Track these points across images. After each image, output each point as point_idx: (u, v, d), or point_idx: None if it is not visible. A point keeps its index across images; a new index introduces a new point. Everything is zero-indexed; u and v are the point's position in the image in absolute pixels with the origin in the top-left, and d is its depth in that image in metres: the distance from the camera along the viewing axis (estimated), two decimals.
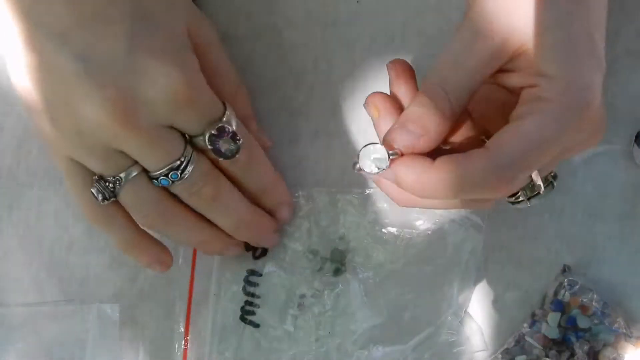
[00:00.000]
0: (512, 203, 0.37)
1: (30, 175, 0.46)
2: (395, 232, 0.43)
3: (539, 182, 0.36)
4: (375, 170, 0.34)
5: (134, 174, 0.36)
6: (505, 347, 0.42)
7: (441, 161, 0.33)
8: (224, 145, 0.37)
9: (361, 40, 0.46)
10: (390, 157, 0.34)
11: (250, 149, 0.40)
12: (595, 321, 0.41)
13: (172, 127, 0.36)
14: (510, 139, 0.33)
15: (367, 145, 0.34)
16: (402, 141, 0.34)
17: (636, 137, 0.42)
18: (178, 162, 0.36)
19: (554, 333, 0.41)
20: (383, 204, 0.43)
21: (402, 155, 0.34)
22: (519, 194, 0.37)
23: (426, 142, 0.34)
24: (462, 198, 0.35)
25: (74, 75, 0.33)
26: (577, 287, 0.42)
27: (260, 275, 0.44)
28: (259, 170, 0.41)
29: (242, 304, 0.44)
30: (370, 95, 0.37)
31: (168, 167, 0.36)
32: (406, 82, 0.37)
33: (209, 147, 0.37)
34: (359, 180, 0.44)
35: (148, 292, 0.45)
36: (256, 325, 0.43)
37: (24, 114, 0.37)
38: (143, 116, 0.34)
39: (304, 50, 0.46)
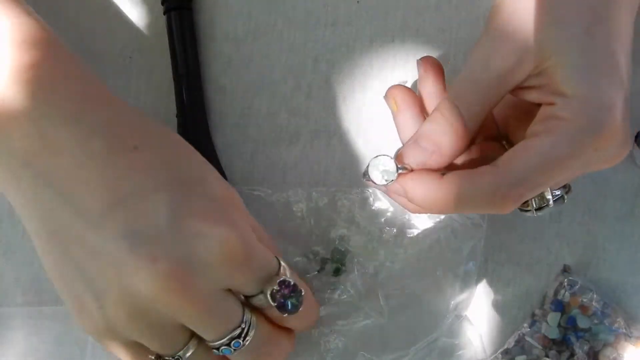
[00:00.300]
0: (520, 210, 0.37)
1: None
2: (396, 232, 0.43)
3: (549, 196, 0.35)
4: (383, 182, 0.35)
5: (192, 350, 0.34)
6: (505, 347, 0.42)
7: (450, 177, 0.34)
8: (289, 300, 0.34)
9: (361, 40, 0.46)
10: (399, 171, 0.34)
11: (305, 295, 0.36)
12: (595, 321, 0.41)
13: (228, 291, 0.34)
14: (521, 157, 0.33)
15: (377, 156, 0.35)
16: (414, 157, 0.35)
17: (636, 137, 0.42)
18: (239, 330, 0.34)
19: (554, 333, 0.41)
20: (383, 204, 0.43)
21: (411, 170, 0.35)
22: (527, 203, 0.36)
23: (438, 159, 0.35)
24: (471, 212, 0.35)
25: (120, 254, 0.31)
26: (577, 287, 0.42)
27: None
28: (310, 312, 0.39)
29: None
30: (390, 87, 0.38)
31: (229, 337, 0.33)
32: (434, 79, 0.37)
33: (273, 304, 0.34)
34: (359, 181, 0.44)
35: None
36: None
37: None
38: (200, 284, 0.32)
39: (304, 50, 0.46)
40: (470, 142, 0.36)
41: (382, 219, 0.43)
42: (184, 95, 0.44)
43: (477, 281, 0.43)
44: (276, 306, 0.34)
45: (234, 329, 0.33)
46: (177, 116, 0.44)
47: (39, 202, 0.33)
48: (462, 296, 0.42)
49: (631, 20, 0.34)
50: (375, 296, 0.43)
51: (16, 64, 0.32)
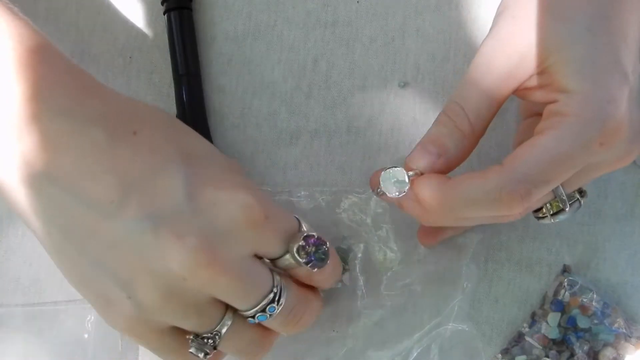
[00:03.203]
0: (537, 218, 0.37)
1: None
2: (397, 230, 0.43)
3: (564, 197, 0.35)
4: (396, 193, 0.35)
5: (229, 323, 0.34)
6: (505, 347, 0.42)
7: (458, 178, 0.34)
8: (315, 255, 0.34)
9: (361, 40, 0.46)
10: (410, 178, 0.34)
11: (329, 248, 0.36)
12: (595, 321, 0.41)
13: (255, 257, 0.34)
14: (526, 154, 0.33)
15: (387, 169, 0.35)
16: (421, 161, 0.35)
17: None
18: (272, 294, 0.34)
19: (554, 333, 0.41)
20: (384, 203, 0.43)
21: (421, 175, 0.35)
22: (543, 208, 0.36)
23: (446, 161, 0.35)
24: (479, 214, 0.34)
25: (142, 239, 0.31)
26: (577, 287, 0.42)
27: None
28: (335, 267, 0.38)
29: None
30: (372, 176, 0.38)
31: (263, 303, 0.33)
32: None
33: (301, 260, 0.34)
34: (360, 180, 0.44)
35: None
36: None
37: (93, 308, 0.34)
38: (228, 253, 0.32)
39: (304, 50, 0.46)
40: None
41: (384, 218, 0.43)
42: (184, 95, 0.44)
43: (477, 281, 0.43)
44: (305, 262, 0.34)
45: (267, 294, 0.33)
46: (177, 116, 0.44)
47: (46, 201, 0.32)
48: (462, 296, 0.42)
49: (636, 20, 0.34)
50: (378, 295, 0.43)
51: (10, 64, 0.32)
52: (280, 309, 0.34)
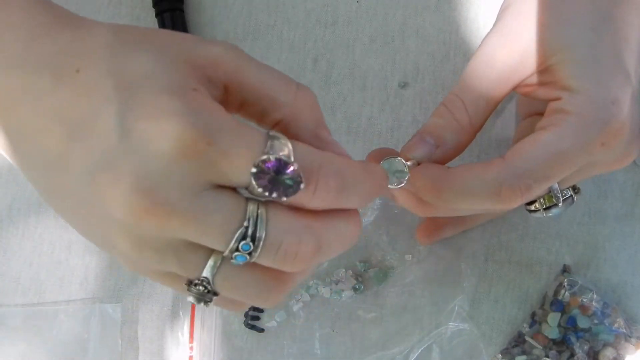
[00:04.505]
0: (529, 211, 0.37)
1: None
2: (397, 231, 0.43)
3: (558, 193, 0.35)
4: (395, 184, 0.34)
5: (212, 266, 0.29)
6: (505, 347, 0.42)
7: (457, 168, 0.34)
8: (278, 180, 0.28)
9: (361, 40, 0.46)
10: (408, 168, 0.34)
11: (326, 168, 0.29)
12: (595, 321, 0.41)
13: (220, 188, 0.29)
14: (527, 150, 0.33)
15: (386, 159, 0.35)
16: (418, 151, 0.35)
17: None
18: (242, 229, 0.28)
19: (554, 333, 0.41)
20: (385, 203, 0.43)
21: (419, 164, 0.35)
22: (536, 202, 0.36)
23: (443, 153, 0.35)
24: (476, 206, 0.34)
25: (90, 190, 0.29)
26: (577, 287, 0.42)
27: None
28: (354, 185, 0.30)
29: (246, 309, 0.43)
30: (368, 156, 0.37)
31: (235, 239, 0.28)
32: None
33: (260, 191, 0.28)
34: None
35: (149, 293, 0.45)
36: (260, 330, 0.43)
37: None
38: (171, 192, 0.27)
39: (304, 50, 0.46)
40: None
41: (383, 218, 0.43)
42: None
43: (477, 281, 0.43)
44: (267, 193, 0.28)
45: (237, 229, 0.28)
46: None
47: (15, 160, 0.31)
48: (463, 295, 0.42)
49: (638, 21, 0.34)
50: (378, 295, 0.43)
51: None
52: (261, 245, 0.28)
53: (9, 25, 0.31)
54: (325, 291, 0.43)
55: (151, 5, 0.46)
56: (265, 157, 0.28)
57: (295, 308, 0.43)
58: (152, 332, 0.44)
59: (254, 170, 0.28)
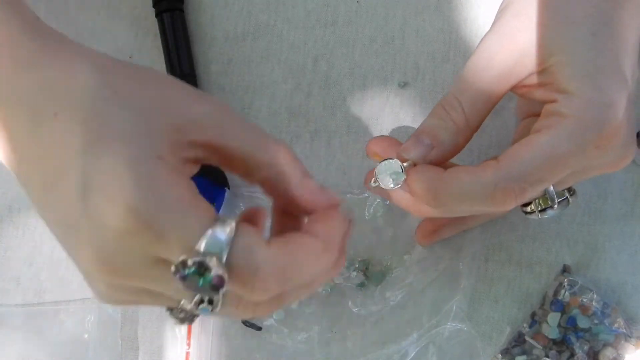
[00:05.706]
0: (525, 213, 0.37)
1: None
2: (396, 231, 0.43)
3: (553, 195, 0.35)
4: (391, 185, 0.34)
5: (192, 302, 0.30)
6: (505, 347, 0.42)
7: (453, 170, 0.34)
8: (193, 283, 0.28)
9: (361, 40, 0.46)
10: (405, 169, 0.34)
11: (263, 271, 0.28)
12: (595, 321, 0.41)
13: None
14: (522, 152, 0.33)
15: (382, 161, 0.35)
16: (414, 152, 0.35)
17: (636, 137, 0.42)
18: (198, 296, 0.29)
19: (554, 333, 0.41)
20: (384, 203, 0.43)
21: (415, 166, 0.35)
22: (531, 204, 0.36)
23: (438, 153, 0.35)
24: (472, 208, 0.34)
25: (61, 238, 0.31)
26: (577, 287, 0.42)
27: None
28: (301, 276, 0.30)
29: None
30: (368, 143, 0.37)
31: (193, 303, 0.29)
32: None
33: (183, 287, 0.28)
34: (360, 181, 0.44)
35: None
36: (258, 328, 0.43)
37: None
38: (127, 259, 0.29)
39: (304, 50, 0.46)
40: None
41: (383, 218, 0.43)
42: None
43: (477, 281, 0.43)
44: (188, 290, 0.28)
45: (194, 295, 0.29)
46: None
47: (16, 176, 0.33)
48: (461, 295, 0.42)
49: (637, 26, 0.34)
50: (377, 294, 0.43)
51: None
52: (219, 304, 0.29)
53: None
54: (324, 289, 0.43)
55: (151, 5, 0.46)
56: (183, 258, 0.28)
57: (293, 306, 0.43)
58: (152, 332, 0.44)
59: (172, 269, 0.28)
